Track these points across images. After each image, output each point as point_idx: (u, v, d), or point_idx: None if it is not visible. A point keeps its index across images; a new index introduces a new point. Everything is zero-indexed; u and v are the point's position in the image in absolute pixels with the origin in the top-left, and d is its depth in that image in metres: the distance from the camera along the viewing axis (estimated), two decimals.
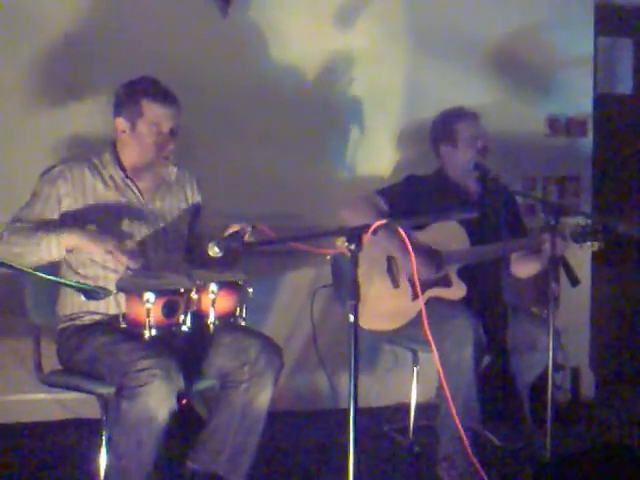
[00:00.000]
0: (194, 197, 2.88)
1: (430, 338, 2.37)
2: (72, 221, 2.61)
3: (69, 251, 2.55)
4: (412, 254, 2.28)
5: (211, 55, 3.61)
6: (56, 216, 2.62)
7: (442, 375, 2.52)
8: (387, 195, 3.19)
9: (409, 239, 2.98)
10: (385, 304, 3.13)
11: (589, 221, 2.99)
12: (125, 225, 2.67)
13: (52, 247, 2.50)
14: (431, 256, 3.10)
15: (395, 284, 3.13)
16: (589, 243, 2.95)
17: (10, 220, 2.62)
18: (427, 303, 3.03)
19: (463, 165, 3.22)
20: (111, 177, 2.70)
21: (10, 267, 2.18)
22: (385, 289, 3.14)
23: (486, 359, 3.14)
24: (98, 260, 2.61)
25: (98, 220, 2.63)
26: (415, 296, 3.04)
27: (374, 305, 3.12)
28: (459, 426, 2.57)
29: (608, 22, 4.24)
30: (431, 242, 3.12)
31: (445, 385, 2.53)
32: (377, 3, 3.83)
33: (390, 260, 3.13)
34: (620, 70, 4.41)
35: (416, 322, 2.83)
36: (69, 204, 2.63)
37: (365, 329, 3.09)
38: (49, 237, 2.50)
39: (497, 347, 3.12)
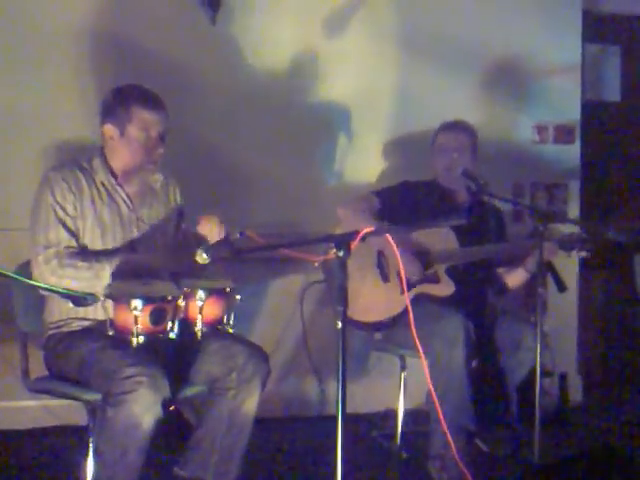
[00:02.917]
0: (177, 201, 2.89)
1: (417, 340, 2.38)
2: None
3: None
4: (399, 258, 2.29)
5: (200, 62, 3.62)
6: (73, 224, 2.60)
7: (429, 377, 2.53)
8: (382, 196, 3.26)
9: (401, 238, 3.01)
10: (376, 297, 3.17)
11: (577, 229, 3.01)
12: (117, 231, 2.68)
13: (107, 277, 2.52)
14: (419, 256, 3.12)
15: (385, 279, 3.16)
16: (576, 251, 2.98)
17: (43, 247, 2.55)
18: (416, 300, 3.07)
19: (440, 173, 3.28)
20: (102, 183, 2.70)
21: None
22: (376, 282, 3.18)
23: (474, 362, 3.14)
24: None
25: (92, 227, 2.64)
26: (403, 291, 3.07)
27: (366, 298, 3.15)
28: (446, 430, 2.58)
29: (596, 29, 4.26)
30: (421, 244, 3.15)
31: (432, 387, 2.55)
32: (366, 10, 3.84)
33: (380, 254, 3.16)
34: (608, 77, 4.43)
35: (406, 323, 2.84)
36: (71, 210, 2.63)
37: (357, 321, 3.12)
38: (103, 267, 2.53)
39: (485, 348, 3.13)
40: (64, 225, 2.60)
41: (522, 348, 3.05)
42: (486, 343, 3.12)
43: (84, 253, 2.60)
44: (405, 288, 2.82)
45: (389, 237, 2.27)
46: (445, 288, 3.13)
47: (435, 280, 3.14)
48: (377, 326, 3.21)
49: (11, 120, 3.46)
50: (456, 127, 3.32)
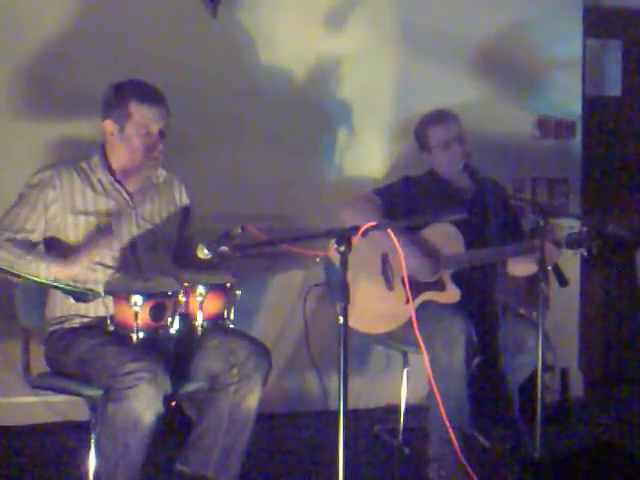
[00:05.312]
0: (182, 200, 2.87)
1: (420, 341, 2.37)
2: (60, 232, 2.62)
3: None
4: (403, 256, 2.28)
5: (200, 57, 3.61)
6: (42, 223, 2.62)
7: (431, 375, 2.52)
8: (384, 195, 3.20)
9: (411, 238, 2.97)
10: (379, 306, 3.13)
11: (584, 228, 2.99)
12: (114, 229, 2.66)
13: (41, 271, 2.51)
14: (430, 257, 3.08)
15: (389, 287, 3.13)
16: (584, 249, 2.96)
17: None
18: (420, 306, 3.03)
19: (444, 169, 3.23)
20: (99, 181, 2.69)
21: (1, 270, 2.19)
22: (379, 291, 3.13)
23: (476, 360, 3.14)
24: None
25: (87, 224, 2.63)
26: (408, 299, 3.04)
27: (368, 307, 3.12)
28: (448, 427, 2.58)
29: (597, 24, 4.25)
30: (427, 244, 3.13)
31: (435, 385, 2.53)
32: (366, 5, 3.83)
33: (385, 261, 3.14)
34: (609, 72, 4.42)
35: (408, 323, 2.83)
36: (57, 210, 2.62)
37: (358, 331, 3.10)
38: (39, 263, 2.52)
39: (488, 348, 3.12)
40: (26, 220, 2.59)
41: (525, 352, 3.02)
42: (489, 343, 3.10)
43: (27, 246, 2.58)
44: (410, 296, 2.78)
45: (390, 232, 2.25)
46: (451, 295, 3.07)
47: (441, 287, 3.10)
48: (383, 337, 3.19)
49: (12, 117, 3.45)
50: (448, 117, 3.24)
